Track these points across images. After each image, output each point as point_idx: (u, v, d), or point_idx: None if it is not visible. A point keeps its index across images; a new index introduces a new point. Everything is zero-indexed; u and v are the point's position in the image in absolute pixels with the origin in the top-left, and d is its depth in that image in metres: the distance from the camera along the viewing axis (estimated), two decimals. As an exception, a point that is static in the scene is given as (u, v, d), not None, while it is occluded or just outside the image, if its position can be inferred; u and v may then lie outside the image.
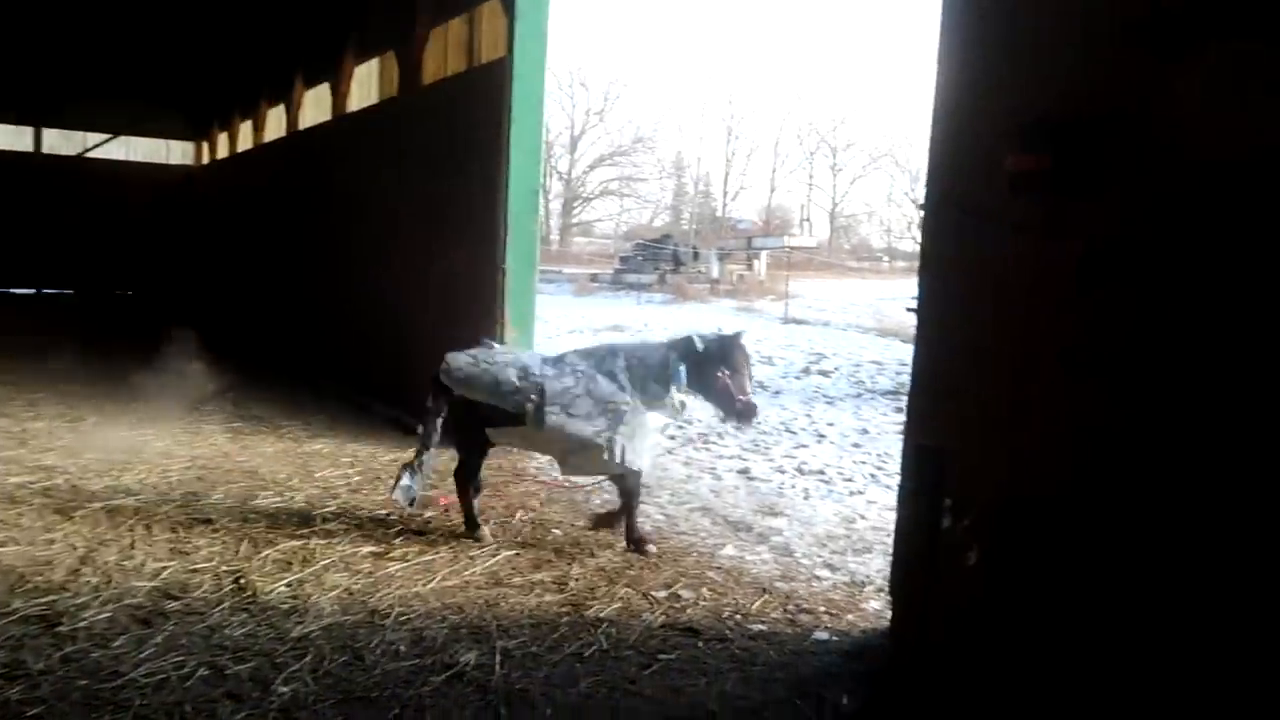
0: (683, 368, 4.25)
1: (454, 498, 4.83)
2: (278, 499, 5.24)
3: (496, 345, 4.94)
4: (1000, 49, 3.13)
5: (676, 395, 4.30)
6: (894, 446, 7.78)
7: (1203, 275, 2.46)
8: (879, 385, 11.50)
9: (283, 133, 12.85)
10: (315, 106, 11.90)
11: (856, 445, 7.84)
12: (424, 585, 4.00)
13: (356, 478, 5.78)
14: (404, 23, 8.53)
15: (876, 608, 3.98)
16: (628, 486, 4.51)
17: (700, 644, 3.52)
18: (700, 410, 5.21)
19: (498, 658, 3.31)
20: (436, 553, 4.42)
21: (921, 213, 3.42)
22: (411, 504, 4.61)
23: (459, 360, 4.54)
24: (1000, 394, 3.05)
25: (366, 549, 4.43)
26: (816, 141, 67.20)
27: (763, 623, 3.75)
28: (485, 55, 7.53)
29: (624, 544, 4.57)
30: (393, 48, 9.16)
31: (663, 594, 4.02)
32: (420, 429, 4.76)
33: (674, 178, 68.62)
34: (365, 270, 9.11)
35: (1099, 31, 2.78)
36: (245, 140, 15.37)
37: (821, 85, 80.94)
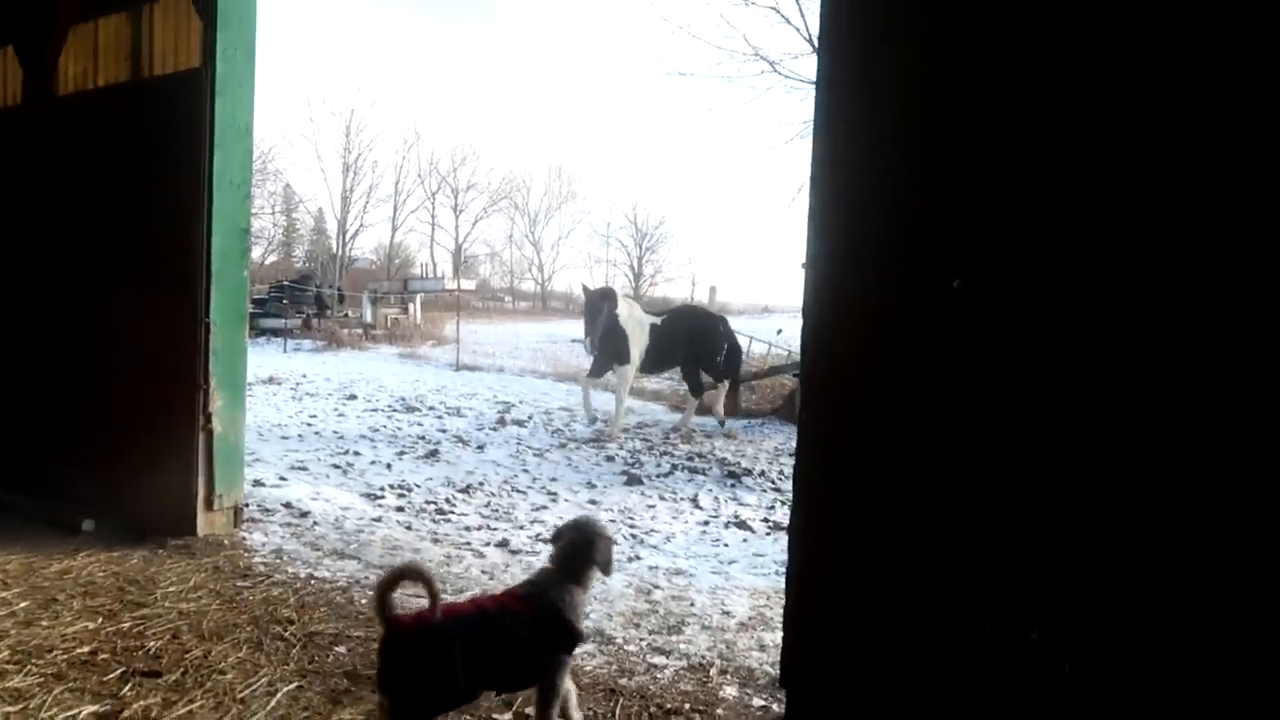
0: None
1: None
2: (-89, 650, 3.75)
3: None
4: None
5: None
6: (631, 501, 7.62)
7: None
8: (578, 433, 11.37)
9: None
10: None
11: (594, 502, 7.55)
12: (197, 755, 3.00)
13: (23, 603, 4.32)
14: (32, 13, 6.88)
15: (734, 694, 3.68)
16: None
17: (589, 778, 2.97)
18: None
19: None
20: (191, 699, 3.37)
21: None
22: None
23: None
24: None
25: (87, 709, 3.25)
26: (438, 181, 67.30)
27: (639, 736, 3.28)
28: (161, 65, 6.25)
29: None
30: (11, 42, 7.36)
31: (507, 718, 3.38)
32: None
33: (285, 214, 64.94)
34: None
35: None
36: None
37: (442, 125, 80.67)
